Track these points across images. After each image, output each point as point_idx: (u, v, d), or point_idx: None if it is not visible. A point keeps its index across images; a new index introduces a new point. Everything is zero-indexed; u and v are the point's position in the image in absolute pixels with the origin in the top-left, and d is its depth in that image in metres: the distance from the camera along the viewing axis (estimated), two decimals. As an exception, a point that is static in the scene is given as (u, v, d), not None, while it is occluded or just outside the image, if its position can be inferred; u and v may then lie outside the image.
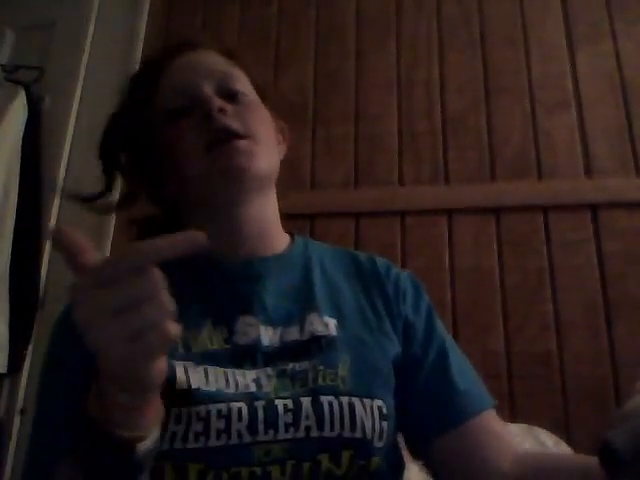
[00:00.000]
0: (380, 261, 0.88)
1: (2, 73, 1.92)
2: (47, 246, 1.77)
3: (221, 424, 0.64)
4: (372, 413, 0.70)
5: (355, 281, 0.85)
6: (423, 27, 1.90)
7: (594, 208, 1.61)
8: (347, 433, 0.67)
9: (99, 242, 1.75)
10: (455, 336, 1.54)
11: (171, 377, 0.65)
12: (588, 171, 1.66)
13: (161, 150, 0.79)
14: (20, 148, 1.79)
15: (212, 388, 0.67)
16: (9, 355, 1.64)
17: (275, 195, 0.85)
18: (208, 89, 0.78)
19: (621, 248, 1.56)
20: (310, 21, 1.97)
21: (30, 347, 1.68)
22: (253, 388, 0.69)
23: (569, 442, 1.30)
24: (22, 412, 1.64)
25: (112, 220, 1.77)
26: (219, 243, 0.77)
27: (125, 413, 0.52)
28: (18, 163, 1.77)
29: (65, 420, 0.64)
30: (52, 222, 1.79)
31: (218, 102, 0.76)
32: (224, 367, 0.70)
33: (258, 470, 0.64)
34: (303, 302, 0.79)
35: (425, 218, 1.67)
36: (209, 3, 2.05)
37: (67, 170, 1.86)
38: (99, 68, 1.97)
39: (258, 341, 0.73)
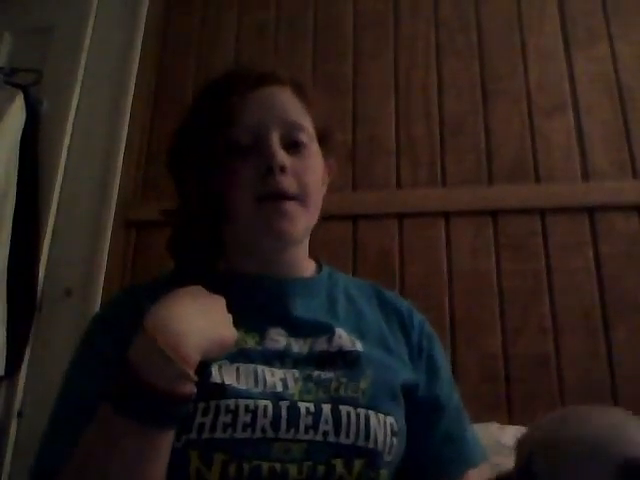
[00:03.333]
0: (404, 303, 0.95)
1: (0, 76, 1.92)
2: (44, 248, 1.77)
3: (247, 418, 0.69)
4: (385, 427, 0.75)
5: (377, 309, 0.92)
6: (421, 31, 1.90)
7: (591, 211, 1.62)
8: (361, 442, 0.72)
9: (95, 245, 1.75)
10: (453, 339, 1.55)
11: (206, 374, 0.71)
12: (585, 174, 1.66)
13: (217, 181, 0.83)
14: (18, 151, 1.79)
15: (242, 386, 0.72)
16: (7, 357, 1.64)
17: (309, 234, 0.91)
18: (275, 139, 0.83)
19: (618, 251, 1.57)
20: (308, 24, 1.97)
21: (28, 349, 1.68)
22: (280, 388, 0.74)
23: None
24: (19, 415, 1.64)
25: (109, 222, 1.77)
26: (253, 268, 0.86)
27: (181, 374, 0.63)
28: (16, 165, 1.77)
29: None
30: (50, 224, 1.80)
31: (281, 158, 0.81)
32: (256, 363, 0.75)
33: (277, 466, 0.69)
34: (330, 319, 0.85)
35: (423, 221, 1.67)
36: (208, 8, 2.05)
37: (65, 173, 1.86)
38: (97, 71, 1.97)
39: (288, 348, 0.80)
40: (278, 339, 0.80)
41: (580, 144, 1.69)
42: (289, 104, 0.88)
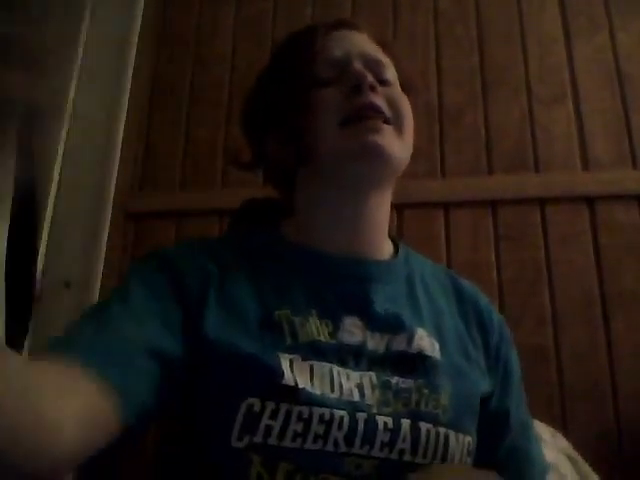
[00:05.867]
0: (483, 298, 0.88)
1: (-2, 68, 1.91)
2: (43, 240, 1.77)
3: (321, 429, 0.63)
4: (462, 448, 0.70)
5: (454, 305, 0.84)
6: (420, 21, 1.89)
7: (591, 201, 1.61)
8: (438, 464, 0.67)
9: (94, 237, 1.75)
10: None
11: (277, 370, 0.65)
12: (585, 164, 1.65)
13: (299, 118, 0.76)
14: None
15: (317, 391, 0.65)
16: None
17: (390, 197, 0.85)
18: (360, 65, 0.76)
19: (618, 241, 1.56)
20: (306, 16, 1.96)
21: (26, 342, 1.68)
22: (356, 396, 0.67)
23: (566, 435, 1.30)
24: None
25: (108, 214, 1.77)
26: (331, 236, 0.78)
27: None
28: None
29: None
30: (48, 217, 1.79)
31: (371, 78, 0.74)
32: (330, 362, 0.68)
33: None
34: (411, 314, 0.77)
35: (422, 211, 1.66)
36: (204, 2, 2.04)
37: (63, 165, 1.86)
38: (94, 65, 1.96)
39: (363, 344, 0.72)
40: (354, 331, 0.72)
41: (580, 134, 1.69)
42: (370, 45, 0.82)
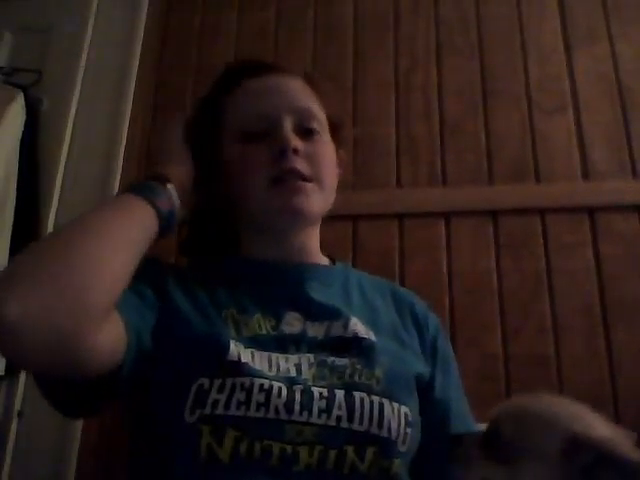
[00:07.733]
0: (418, 301, 0.97)
1: (0, 76, 1.91)
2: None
3: (261, 397, 0.69)
4: (399, 417, 0.74)
5: (391, 305, 0.93)
6: (421, 30, 1.90)
7: (591, 211, 1.61)
8: (374, 430, 0.72)
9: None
10: (453, 338, 1.55)
11: (224, 346, 0.72)
12: (585, 174, 1.66)
13: (229, 169, 0.87)
14: (18, 151, 1.78)
15: (257, 367, 0.73)
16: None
17: (319, 221, 0.94)
18: (288, 124, 0.85)
19: (618, 251, 1.57)
20: (308, 24, 1.97)
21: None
22: (293, 373, 0.74)
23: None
24: (19, 415, 1.63)
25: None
26: (267, 251, 0.89)
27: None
28: (16, 166, 1.76)
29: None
30: (50, 225, 1.79)
31: (294, 142, 0.84)
32: (270, 351, 0.76)
33: (289, 448, 0.68)
34: (346, 308, 0.86)
35: (423, 221, 1.67)
36: (207, 7, 2.05)
37: (65, 172, 1.86)
38: (97, 71, 1.97)
39: (304, 332, 0.80)
40: (294, 323, 0.81)
41: (580, 144, 1.69)
42: (300, 91, 0.91)
